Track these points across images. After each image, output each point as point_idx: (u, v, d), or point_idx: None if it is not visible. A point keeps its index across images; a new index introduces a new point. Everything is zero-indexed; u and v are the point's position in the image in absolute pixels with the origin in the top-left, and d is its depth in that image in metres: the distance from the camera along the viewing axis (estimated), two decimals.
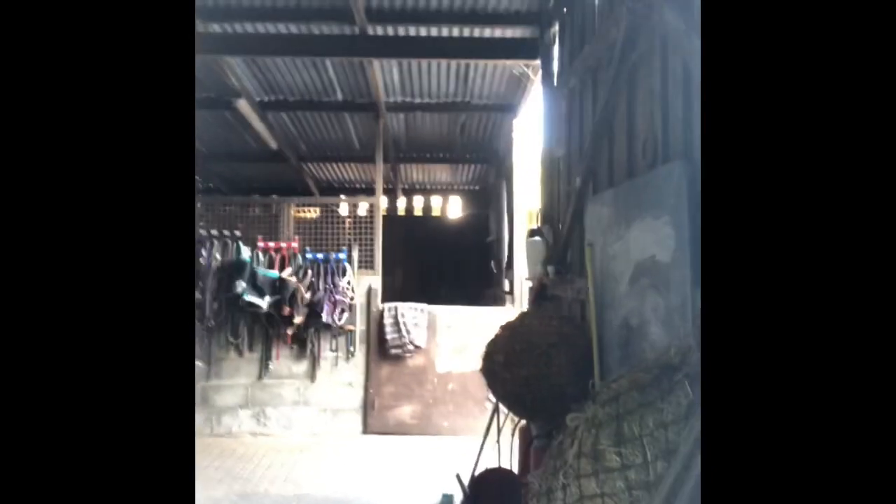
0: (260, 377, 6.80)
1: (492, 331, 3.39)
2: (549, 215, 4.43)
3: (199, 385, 6.72)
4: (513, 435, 3.96)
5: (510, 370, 2.98)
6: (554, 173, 4.39)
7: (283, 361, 6.81)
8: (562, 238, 3.82)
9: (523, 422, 3.79)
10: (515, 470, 3.89)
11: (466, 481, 3.88)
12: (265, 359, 6.79)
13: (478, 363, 3.38)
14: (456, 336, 6.89)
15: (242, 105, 6.61)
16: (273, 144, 8.10)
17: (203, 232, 6.87)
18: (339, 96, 6.96)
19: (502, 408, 3.70)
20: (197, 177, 10.07)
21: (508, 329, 3.26)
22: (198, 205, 7.37)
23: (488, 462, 3.98)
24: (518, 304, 7.10)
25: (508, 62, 5.66)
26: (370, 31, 5.21)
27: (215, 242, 6.67)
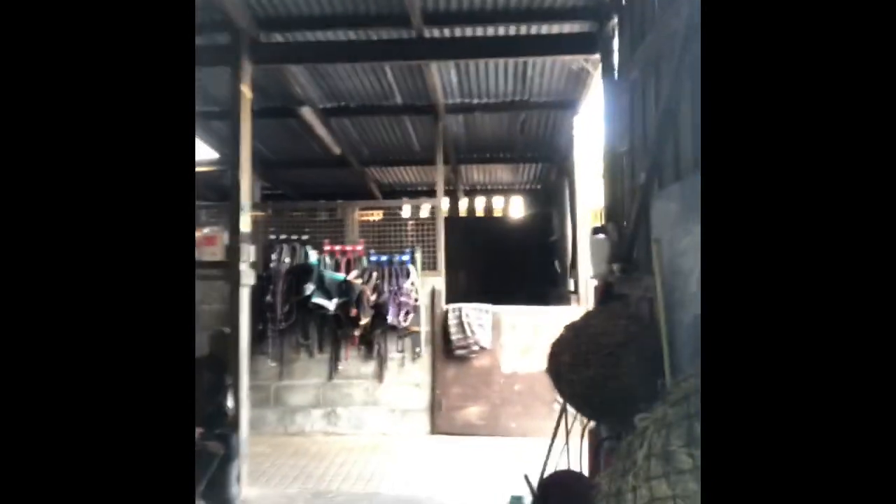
0: (330, 377, 6.96)
1: (557, 331, 3.35)
2: (614, 212, 4.34)
3: (273, 385, 6.95)
4: (582, 437, 3.90)
5: (576, 371, 2.94)
6: (617, 169, 4.30)
7: (352, 362, 6.95)
8: (627, 235, 3.74)
9: (593, 423, 3.73)
10: (585, 472, 3.83)
11: (535, 483, 3.84)
12: (334, 360, 6.94)
13: (544, 363, 3.35)
14: (521, 336, 6.85)
15: (306, 112, 6.79)
16: (336, 150, 8.29)
17: (273, 237, 7.11)
18: (399, 100, 7.04)
19: (571, 409, 3.65)
20: (265, 183, 10.43)
21: (573, 329, 3.21)
22: (267, 210, 7.64)
23: (557, 464, 3.94)
24: (583, 304, 7.00)
25: (567, 58, 5.59)
26: (427, 34, 5.25)
27: (284, 247, 6.88)
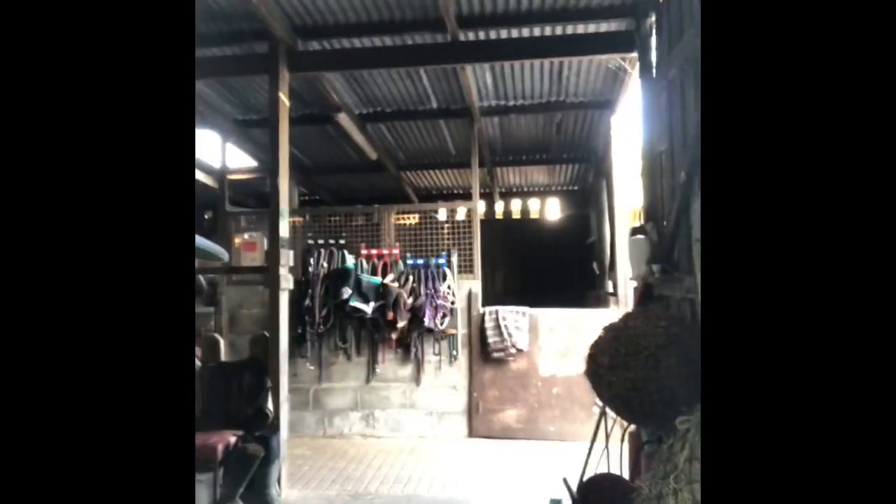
0: (368, 380, 7.02)
1: (596, 333, 3.31)
2: (653, 212, 4.27)
3: (312, 388, 7.03)
4: (622, 440, 3.84)
5: (616, 373, 2.90)
6: (656, 168, 4.23)
7: (389, 365, 6.99)
8: (667, 235, 3.67)
9: (633, 426, 3.66)
10: (626, 475, 3.77)
11: (574, 486, 3.80)
12: (372, 363, 7.00)
13: (582, 366, 3.31)
14: (559, 339, 6.79)
15: (343, 119, 6.87)
16: (373, 155, 8.36)
17: (311, 241, 7.22)
18: (434, 104, 7.07)
19: (610, 412, 3.59)
20: (303, 189, 10.60)
21: (613, 331, 3.17)
22: (305, 216, 7.75)
23: (597, 467, 3.88)
24: (622, 306, 6.89)
25: (604, 57, 5.52)
26: (462, 38, 5.26)
27: (322, 251, 6.97)
